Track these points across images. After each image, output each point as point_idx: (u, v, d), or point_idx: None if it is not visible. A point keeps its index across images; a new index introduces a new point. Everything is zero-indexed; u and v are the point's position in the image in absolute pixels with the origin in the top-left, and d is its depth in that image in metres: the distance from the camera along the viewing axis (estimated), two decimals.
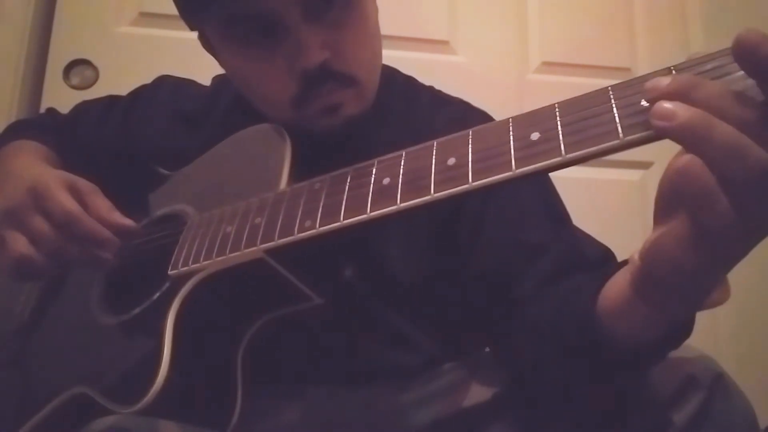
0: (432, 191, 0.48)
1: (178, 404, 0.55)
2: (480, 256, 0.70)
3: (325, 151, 0.67)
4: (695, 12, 1.71)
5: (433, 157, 0.51)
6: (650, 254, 0.41)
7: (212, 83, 0.89)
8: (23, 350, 0.71)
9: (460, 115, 0.80)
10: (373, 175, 0.53)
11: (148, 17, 1.49)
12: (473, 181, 0.47)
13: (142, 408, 0.54)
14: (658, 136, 0.39)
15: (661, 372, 0.56)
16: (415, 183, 0.50)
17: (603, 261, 0.67)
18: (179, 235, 0.65)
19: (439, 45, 1.59)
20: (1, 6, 1.45)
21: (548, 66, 1.64)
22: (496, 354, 0.72)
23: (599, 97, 0.44)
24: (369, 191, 0.52)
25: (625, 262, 0.50)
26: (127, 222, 0.66)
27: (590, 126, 0.43)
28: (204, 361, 0.60)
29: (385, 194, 0.51)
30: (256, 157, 0.69)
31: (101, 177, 0.71)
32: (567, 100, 0.46)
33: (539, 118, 0.46)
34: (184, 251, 0.62)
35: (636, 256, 0.44)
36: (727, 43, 0.37)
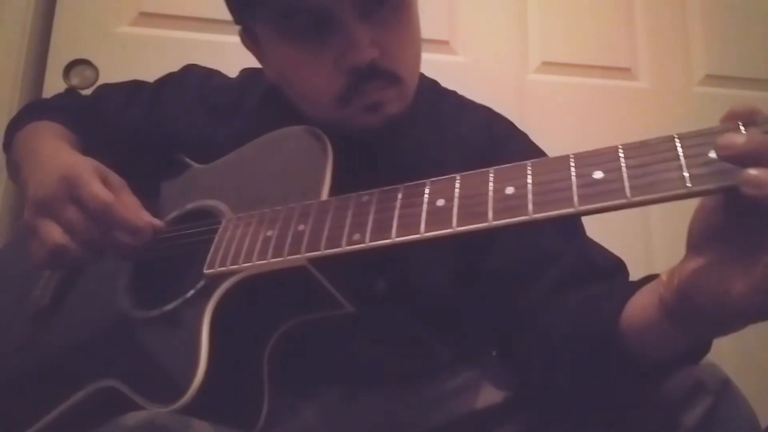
0: (490, 218, 0.49)
1: (209, 404, 0.55)
2: (494, 261, 0.71)
3: (359, 152, 0.68)
4: (695, 12, 1.71)
5: (491, 183, 0.51)
6: (695, 283, 0.43)
7: (240, 75, 0.89)
8: (41, 336, 0.71)
9: (484, 120, 0.82)
10: (426, 195, 0.54)
11: (148, 17, 1.49)
12: (534, 213, 0.47)
13: (178, 407, 0.54)
14: (726, 189, 0.41)
15: (671, 377, 0.57)
16: (472, 208, 0.50)
17: (614, 271, 0.69)
18: (213, 233, 0.65)
19: (439, 45, 1.59)
20: (1, 6, 1.44)
21: (548, 66, 1.64)
22: (505, 357, 0.73)
23: (664, 143, 0.45)
24: (422, 211, 0.53)
25: (647, 278, 0.52)
26: (155, 221, 0.66)
27: (656, 171, 0.44)
28: (235, 361, 0.60)
29: (439, 216, 0.51)
30: (296, 161, 0.69)
31: (121, 160, 0.71)
32: (630, 143, 0.47)
33: (602, 157, 0.47)
34: (221, 251, 0.62)
35: (665, 277, 0.46)
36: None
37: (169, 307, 0.63)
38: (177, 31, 1.48)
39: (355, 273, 0.62)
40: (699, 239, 0.44)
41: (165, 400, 0.54)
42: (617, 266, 0.70)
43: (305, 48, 0.67)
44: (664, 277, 0.47)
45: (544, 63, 1.64)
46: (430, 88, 0.84)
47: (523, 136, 0.82)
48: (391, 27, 0.68)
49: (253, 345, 0.62)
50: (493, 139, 0.79)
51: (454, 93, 0.87)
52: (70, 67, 1.44)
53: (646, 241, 1.53)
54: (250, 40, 0.76)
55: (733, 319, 0.43)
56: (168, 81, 0.89)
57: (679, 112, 1.65)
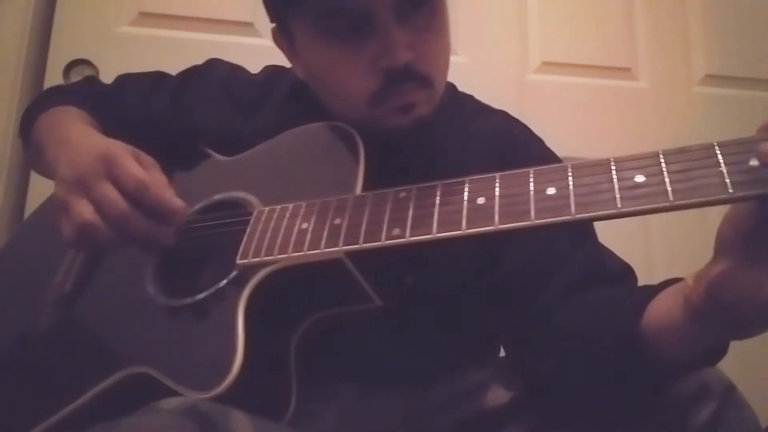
0: (532, 217, 0.50)
1: (243, 393, 0.55)
2: (508, 262, 0.73)
3: (384, 150, 0.69)
4: (695, 12, 1.71)
5: (531, 184, 0.52)
6: (725, 283, 0.45)
7: (264, 72, 0.90)
8: (65, 321, 0.71)
9: (503, 124, 0.84)
10: (466, 193, 0.55)
11: (148, 17, 1.49)
12: (576, 213, 0.49)
13: (216, 395, 0.54)
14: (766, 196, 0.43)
15: (679, 380, 0.59)
16: (514, 207, 0.52)
17: (624, 276, 0.71)
18: (243, 224, 0.66)
19: None
20: (1, 6, 1.44)
21: (548, 66, 1.64)
22: (513, 357, 0.75)
23: (705, 150, 0.47)
24: (463, 208, 0.54)
25: (665, 283, 0.55)
26: (178, 203, 0.65)
27: (697, 177, 0.46)
28: (265, 351, 0.60)
29: (480, 213, 0.53)
30: (328, 156, 0.70)
31: (143, 149, 0.71)
32: (670, 149, 0.49)
33: (642, 162, 0.49)
34: (254, 242, 0.63)
35: (691, 280, 0.48)
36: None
37: (201, 296, 0.63)
38: (177, 31, 1.48)
39: (387, 268, 0.64)
40: (728, 243, 0.46)
41: (202, 386, 0.55)
42: (627, 272, 0.72)
43: (343, 48, 0.69)
44: (690, 281, 0.49)
45: (544, 63, 1.64)
46: (450, 91, 0.86)
47: (540, 141, 0.85)
48: (425, 32, 0.70)
49: (281, 336, 0.63)
50: (511, 143, 0.81)
51: (471, 97, 0.89)
52: (70, 67, 1.44)
53: (646, 247, 1.52)
54: (283, 38, 0.77)
55: (761, 319, 0.45)
56: (193, 73, 0.90)
57: (679, 112, 1.65)
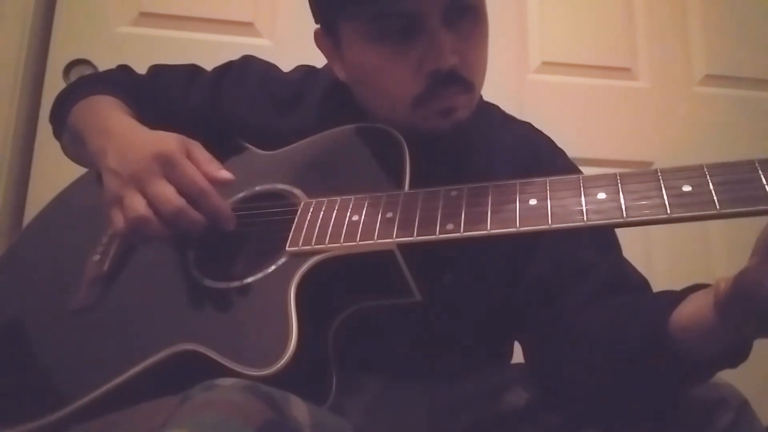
0: (585, 219, 0.54)
1: (291, 375, 0.56)
2: (535, 267, 0.74)
3: (421, 151, 0.71)
4: (695, 12, 1.71)
5: (582, 189, 0.56)
6: (760, 283, 0.46)
7: (297, 71, 0.91)
8: (104, 300, 0.72)
9: (528, 135, 0.87)
10: (518, 194, 0.58)
11: (148, 17, 1.49)
12: (627, 216, 0.52)
13: (272, 374, 0.55)
14: None
15: (697, 391, 0.61)
16: (566, 208, 0.55)
17: (643, 287, 0.73)
18: (288, 214, 0.69)
19: None
20: (1, 6, 1.45)
21: (548, 66, 1.64)
22: (531, 361, 0.75)
23: (745, 165, 0.51)
24: (516, 207, 0.57)
25: (691, 288, 0.57)
26: (226, 175, 0.69)
27: (741, 189, 0.49)
28: (310, 336, 0.61)
29: (533, 213, 0.56)
30: (371, 155, 0.73)
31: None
32: (713, 163, 0.52)
33: (688, 173, 0.52)
34: (303, 231, 0.66)
35: (722, 285, 0.50)
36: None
37: (249, 280, 0.65)
38: (177, 31, 1.48)
39: (430, 263, 0.65)
40: (766, 243, 0.47)
41: (257, 365, 0.56)
42: (645, 284, 0.74)
43: (392, 50, 0.71)
44: (722, 283, 0.51)
45: (544, 63, 1.64)
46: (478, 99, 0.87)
47: (563, 154, 0.87)
48: (469, 37, 0.72)
49: (323, 324, 0.65)
50: (536, 154, 0.83)
51: (497, 107, 0.91)
52: (70, 67, 1.44)
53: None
54: (328, 40, 0.78)
55: None
56: (230, 68, 0.91)
57: (679, 112, 1.65)
